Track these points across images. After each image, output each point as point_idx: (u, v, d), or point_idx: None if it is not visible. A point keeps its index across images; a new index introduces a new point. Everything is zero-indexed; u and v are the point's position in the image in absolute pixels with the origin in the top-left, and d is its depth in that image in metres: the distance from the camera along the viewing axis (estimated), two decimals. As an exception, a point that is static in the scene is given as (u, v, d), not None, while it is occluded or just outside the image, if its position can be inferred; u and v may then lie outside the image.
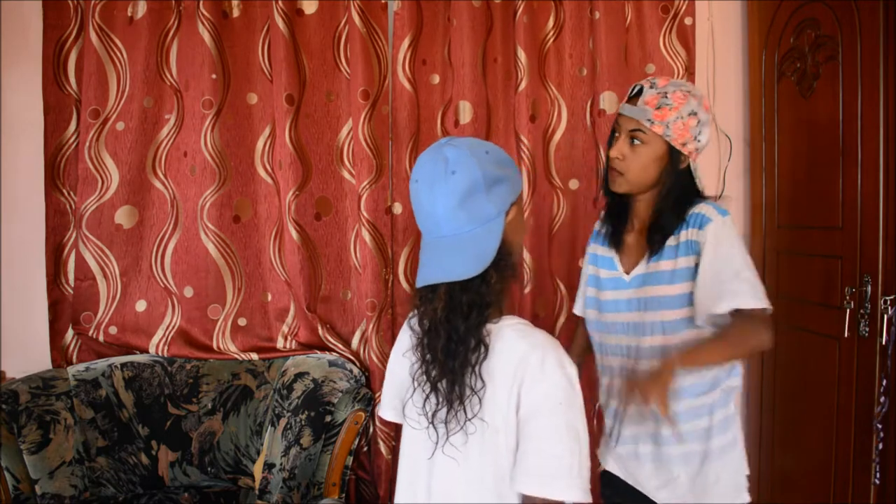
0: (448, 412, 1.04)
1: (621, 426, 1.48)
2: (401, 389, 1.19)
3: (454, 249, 1.03)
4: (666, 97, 1.36)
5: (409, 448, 1.17)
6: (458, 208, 1.01)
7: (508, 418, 1.01)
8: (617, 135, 1.43)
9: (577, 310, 1.67)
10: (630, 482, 1.50)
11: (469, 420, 1.03)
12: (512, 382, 1.01)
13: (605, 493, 1.59)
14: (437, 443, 1.07)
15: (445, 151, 1.03)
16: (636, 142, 1.38)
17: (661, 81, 1.39)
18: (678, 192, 1.40)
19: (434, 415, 1.06)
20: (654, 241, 1.41)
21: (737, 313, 1.29)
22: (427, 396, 1.07)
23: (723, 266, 1.31)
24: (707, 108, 1.40)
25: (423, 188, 1.04)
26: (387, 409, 1.27)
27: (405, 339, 1.18)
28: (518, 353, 1.01)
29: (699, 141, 1.39)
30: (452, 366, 1.03)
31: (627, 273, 1.47)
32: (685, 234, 1.39)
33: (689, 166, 1.41)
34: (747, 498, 1.43)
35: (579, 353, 1.69)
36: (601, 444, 1.59)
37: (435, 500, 1.09)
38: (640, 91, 1.39)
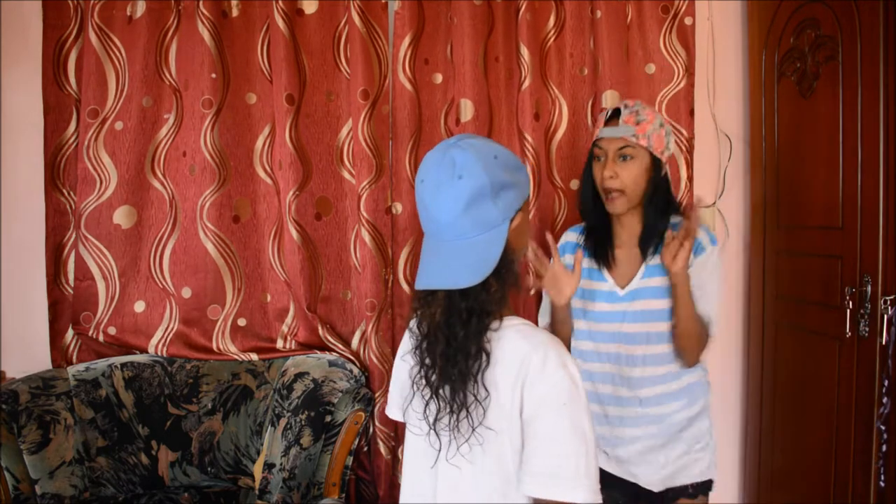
0: (451, 420, 1.02)
1: (608, 428, 1.64)
2: (404, 390, 1.17)
3: (456, 255, 1.00)
4: (639, 114, 1.54)
5: (412, 453, 1.15)
6: (462, 214, 0.99)
7: (512, 419, 1.00)
8: (602, 159, 1.57)
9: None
10: (626, 477, 1.65)
11: (474, 430, 1.01)
12: (514, 383, 0.99)
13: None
14: (439, 450, 1.05)
15: (453, 154, 1.00)
16: (627, 158, 1.54)
17: (630, 102, 1.57)
18: (662, 198, 1.58)
19: (436, 421, 1.04)
20: (649, 247, 1.59)
21: None
22: (427, 402, 1.05)
23: (698, 293, 1.54)
24: (667, 121, 1.62)
25: (427, 190, 1.02)
26: (393, 408, 1.25)
27: (407, 341, 1.17)
28: (520, 354, 1.00)
29: (669, 149, 1.58)
30: (452, 373, 1.01)
31: (622, 287, 1.61)
32: None
33: (666, 173, 1.59)
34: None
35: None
36: None
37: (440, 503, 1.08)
38: (617, 114, 1.55)
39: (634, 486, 1.65)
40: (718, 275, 1.57)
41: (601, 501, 0.98)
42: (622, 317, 1.60)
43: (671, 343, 1.57)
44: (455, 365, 1.01)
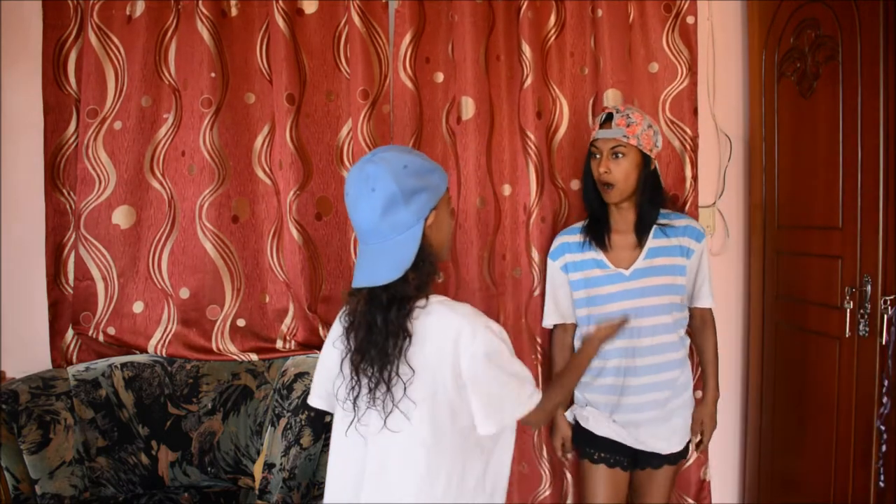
0: (374, 396, 1.18)
1: (620, 398, 1.86)
2: (329, 378, 1.34)
3: (379, 256, 1.17)
4: (629, 117, 1.81)
5: (341, 427, 1.28)
6: (380, 220, 1.16)
7: (448, 382, 1.17)
8: (598, 156, 1.84)
9: (561, 319, 2.00)
10: (633, 445, 1.87)
11: (395, 404, 1.17)
12: (449, 349, 1.17)
13: (601, 454, 1.92)
14: (353, 420, 1.22)
15: (367, 169, 1.17)
16: (619, 156, 1.81)
17: (621, 107, 1.85)
18: (652, 189, 1.87)
19: (357, 398, 1.21)
20: (644, 233, 1.87)
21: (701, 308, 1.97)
22: (355, 382, 1.22)
23: (706, 274, 1.92)
24: (654, 122, 1.87)
25: (350, 202, 1.19)
26: (315, 398, 1.41)
27: (335, 331, 1.33)
28: (453, 324, 1.20)
29: (658, 146, 1.86)
30: (374, 354, 1.18)
31: (626, 269, 1.87)
32: (679, 240, 1.88)
33: (655, 168, 1.88)
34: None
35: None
36: (590, 417, 1.92)
37: (369, 475, 1.22)
38: (610, 117, 1.82)
39: (636, 450, 1.88)
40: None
41: (542, 395, 1.24)
42: (629, 294, 1.85)
43: (675, 314, 1.86)
44: (376, 346, 1.17)
